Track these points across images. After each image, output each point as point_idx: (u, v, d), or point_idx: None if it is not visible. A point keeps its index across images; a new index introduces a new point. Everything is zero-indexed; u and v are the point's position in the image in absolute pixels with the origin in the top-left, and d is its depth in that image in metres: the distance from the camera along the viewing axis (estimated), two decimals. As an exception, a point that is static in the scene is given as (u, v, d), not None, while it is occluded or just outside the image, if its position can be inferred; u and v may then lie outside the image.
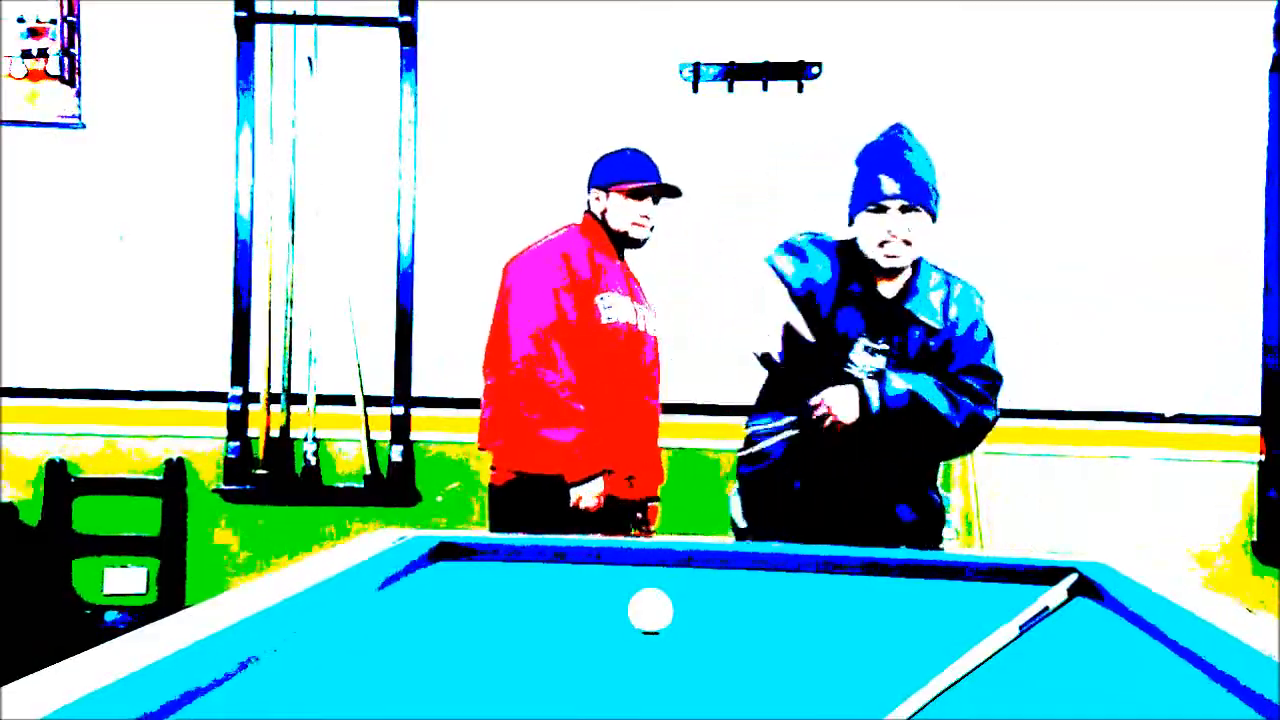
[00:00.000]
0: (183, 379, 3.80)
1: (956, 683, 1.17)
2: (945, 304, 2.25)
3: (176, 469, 3.78)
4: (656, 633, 1.48)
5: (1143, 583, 1.67)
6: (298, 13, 3.78)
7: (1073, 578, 1.52)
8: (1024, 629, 1.30)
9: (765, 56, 3.75)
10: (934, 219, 2.22)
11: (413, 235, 3.81)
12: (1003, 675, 1.26)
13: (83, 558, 3.76)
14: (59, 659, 1.12)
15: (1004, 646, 1.25)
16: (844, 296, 2.21)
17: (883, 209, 2.17)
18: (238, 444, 3.73)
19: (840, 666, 1.38)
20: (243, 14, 3.75)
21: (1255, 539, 3.62)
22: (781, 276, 2.22)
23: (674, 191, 2.79)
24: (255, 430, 3.76)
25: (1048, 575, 1.74)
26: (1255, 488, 3.63)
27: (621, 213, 2.74)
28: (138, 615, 3.68)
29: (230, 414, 3.75)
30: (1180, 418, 3.65)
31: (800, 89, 3.75)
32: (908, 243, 2.18)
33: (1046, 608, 1.37)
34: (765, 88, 3.75)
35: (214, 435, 3.77)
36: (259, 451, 3.76)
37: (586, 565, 1.88)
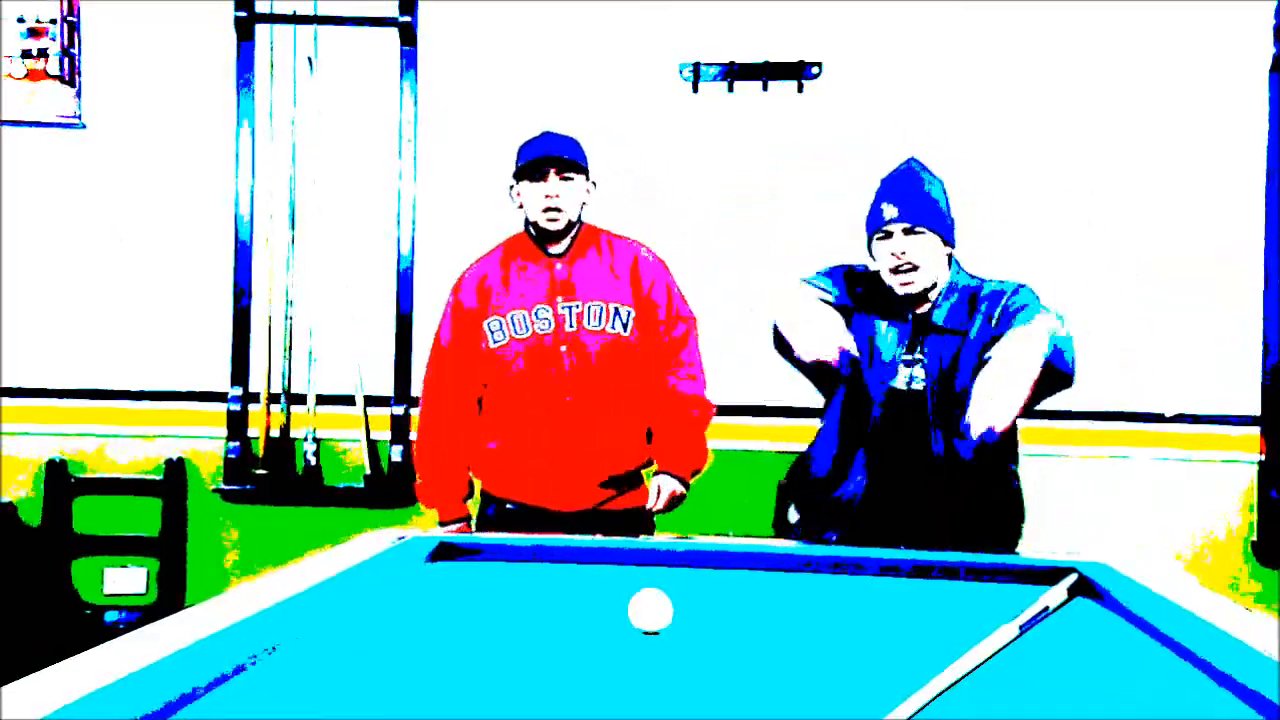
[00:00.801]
0: (183, 379, 3.80)
1: (956, 683, 1.17)
2: (977, 309, 2.22)
3: (176, 469, 3.78)
4: (656, 633, 1.48)
5: (1143, 583, 1.67)
6: (298, 13, 3.78)
7: (1073, 578, 1.52)
8: (1024, 629, 1.30)
9: (765, 56, 3.74)
10: (948, 243, 2.23)
11: (413, 235, 3.81)
12: (1003, 675, 1.26)
13: (83, 558, 3.76)
14: (59, 659, 1.12)
15: (1004, 646, 1.25)
16: (869, 311, 2.27)
17: (889, 234, 2.20)
18: (238, 444, 3.73)
19: (840, 666, 1.38)
20: (243, 14, 3.75)
21: (1255, 539, 3.62)
22: (824, 292, 2.28)
23: (570, 164, 2.59)
24: (255, 430, 3.76)
25: (1048, 575, 1.74)
26: (1255, 488, 3.63)
27: (529, 201, 2.61)
28: (139, 615, 3.68)
29: (230, 414, 3.74)
30: (1180, 418, 3.65)
31: (800, 89, 3.74)
32: (915, 266, 2.18)
33: (1046, 608, 1.38)
34: (765, 88, 3.75)
35: (214, 435, 3.77)
36: (259, 451, 3.76)
37: (586, 565, 1.88)
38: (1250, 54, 3.64)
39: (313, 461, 3.75)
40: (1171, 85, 3.66)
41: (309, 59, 3.78)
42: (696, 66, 3.76)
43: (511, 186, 2.65)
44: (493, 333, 2.65)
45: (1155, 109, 3.67)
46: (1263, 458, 3.61)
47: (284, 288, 3.78)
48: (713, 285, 3.63)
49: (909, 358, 2.23)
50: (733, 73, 3.74)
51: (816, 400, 3.94)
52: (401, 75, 3.80)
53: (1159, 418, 3.66)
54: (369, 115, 3.81)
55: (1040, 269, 3.66)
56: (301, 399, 3.77)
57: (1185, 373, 3.65)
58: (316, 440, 3.77)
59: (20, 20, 3.77)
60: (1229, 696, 1.24)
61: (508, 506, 2.68)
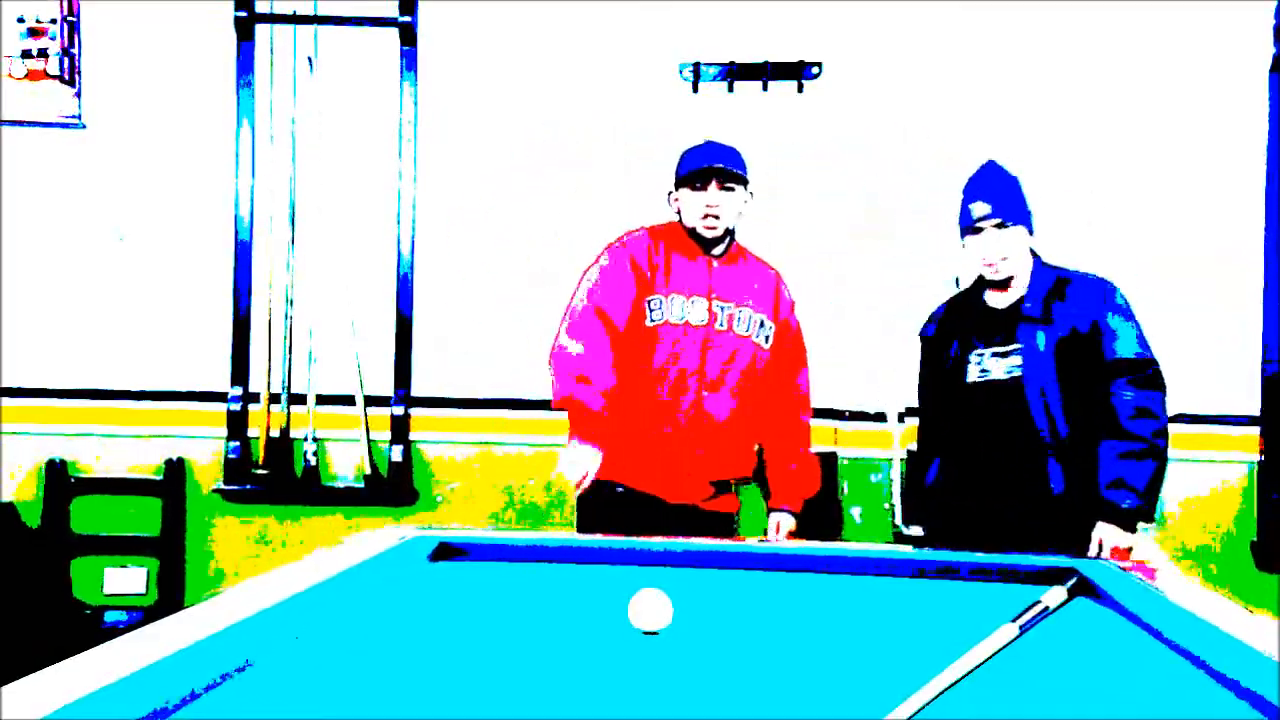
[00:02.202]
0: (183, 379, 3.80)
1: (956, 683, 1.17)
2: (1060, 300, 2.44)
3: (176, 469, 3.78)
4: (656, 633, 1.48)
5: (1143, 582, 1.67)
6: (298, 13, 3.77)
7: (1073, 578, 1.52)
8: (1024, 629, 1.30)
9: (765, 56, 3.74)
10: (1030, 232, 2.49)
11: (413, 235, 3.81)
12: (1003, 675, 1.26)
13: (83, 558, 3.76)
14: (59, 659, 1.12)
15: (1004, 646, 1.25)
16: (955, 325, 2.55)
17: (978, 230, 2.44)
18: (238, 444, 3.73)
19: (840, 667, 1.38)
20: (243, 14, 3.75)
21: (1255, 539, 3.62)
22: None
23: (732, 175, 2.61)
24: (255, 430, 3.76)
25: (1048, 575, 1.74)
26: (1255, 488, 3.63)
27: (688, 208, 2.64)
28: (140, 615, 3.68)
29: (230, 414, 3.74)
30: (1180, 418, 3.64)
31: (800, 89, 3.74)
32: (1005, 257, 2.44)
33: (1046, 608, 1.38)
34: (765, 88, 3.75)
35: (214, 435, 3.77)
36: (259, 451, 3.76)
37: (586, 565, 1.88)
38: (1250, 54, 3.64)
39: (313, 461, 3.75)
40: (1171, 85, 3.66)
41: (309, 59, 3.78)
42: (696, 66, 3.76)
43: (670, 192, 2.68)
44: (651, 311, 2.61)
45: (1155, 109, 3.67)
46: (1262, 458, 3.61)
47: (284, 288, 3.78)
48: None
49: (1004, 349, 2.45)
50: (733, 73, 3.74)
51: (815, 400, 3.94)
52: (401, 75, 3.80)
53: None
54: (369, 115, 3.81)
55: (1040, 269, 3.68)
56: (301, 399, 3.77)
57: (1185, 373, 3.64)
58: (316, 440, 3.77)
59: (20, 20, 3.77)
60: (1229, 696, 1.24)
61: (617, 489, 2.61)
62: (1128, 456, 2.33)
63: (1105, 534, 2.32)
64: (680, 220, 2.67)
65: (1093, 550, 2.31)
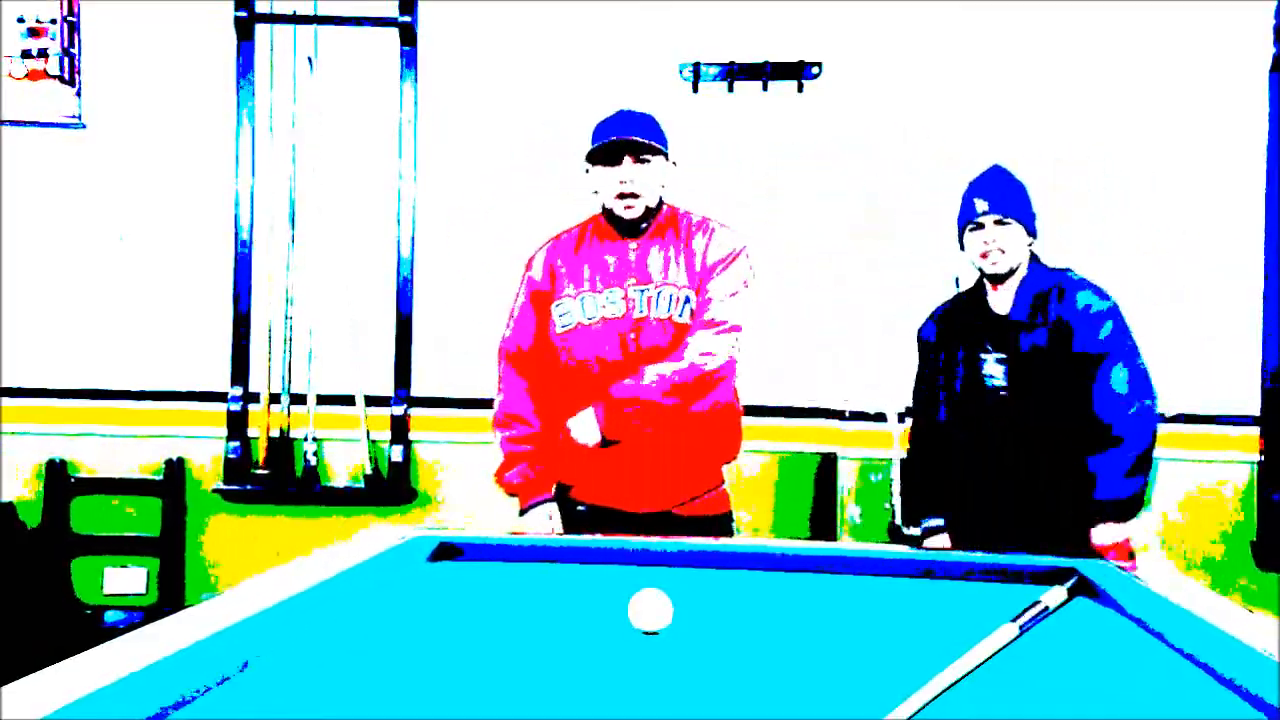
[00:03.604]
0: (183, 379, 3.80)
1: (956, 683, 1.17)
2: (1052, 308, 2.47)
3: (176, 469, 3.78)
4: (656, 633, 1.48)
5: (1142, 582, 1.67)
6: (298, 13, 3.78)
7: (1073, 578, 1.52)
8: (1024, 629, 1.30)
9: (765, 56, 3.74)
10: (1031, 234, 2.52)
11: (413, 235, 3.81)
12: (1003, 675, 1.26)
13: (83, 558, 3.76)
14: (59, 659, 1.12)
15: (1004, 646, 1.25)
16: (960, 330, 2.57)
17: (980, 225, 2.48)
18: (238, 444, 3.73)
19: (840, 666, 1.38)
20: (243, 14, 3.75)
21: (1255, 539, 3.62)
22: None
23: (646, 146, 2.37)
24: (255, 430, 3.76)
25: (1048, 575, 1.74)
26: (1255, 488, 3.63)
27: (602, 187, 2.41)
28: (140, 615, 3.68)
29: (230, 414, 3.74)
30: (1180, 417, 3.65)
31: (800, 89, 3.74)
32: (1003, 251, 2.46)
33: (1046, 608, 1.38)
34: (765, 88, 3.75)
35: (214, 435, 3.77)
36: (259, 452, 3.76)
37: (586, 565, 1.88)
38: (1250, 54, 3.64)
39: (313, 461, 3.75)
40: (1171, 85, 3.66)
41: (309, 59, 3.78)
42: (696, 66, 3.76)
43: (587, 170, 2.44)
44: (560, 316, 2.43)
45: (1155, 109, 3.67)
46: (1262, 458, 3.61)
47: (284, 288, 3.78)
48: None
49: (1000, 355, 2.50)
50: (733, 73, 3.74)
51: (813, 400, 3.95)
52: (401, 75, 3.80)
53: (1159, 417, 3.65)
54: (369, 115, 3.81)
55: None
56: (301, 399, 3.77)
57: (1185, 372, 3.64)
58: (316, 440, 3.77)
59: (20, 20, 3.77)
60: (1229, 696, 1.24)
61: (578, 509, 2.45)
62: (1112, 455, 2.39)
63: (1100, 536, 2.35)
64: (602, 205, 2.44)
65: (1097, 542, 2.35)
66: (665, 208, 2.47)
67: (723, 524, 2.49)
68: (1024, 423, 2.44)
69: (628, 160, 2.37)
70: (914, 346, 2.69)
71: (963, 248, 2.56)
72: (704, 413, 2.41)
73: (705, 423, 2.43)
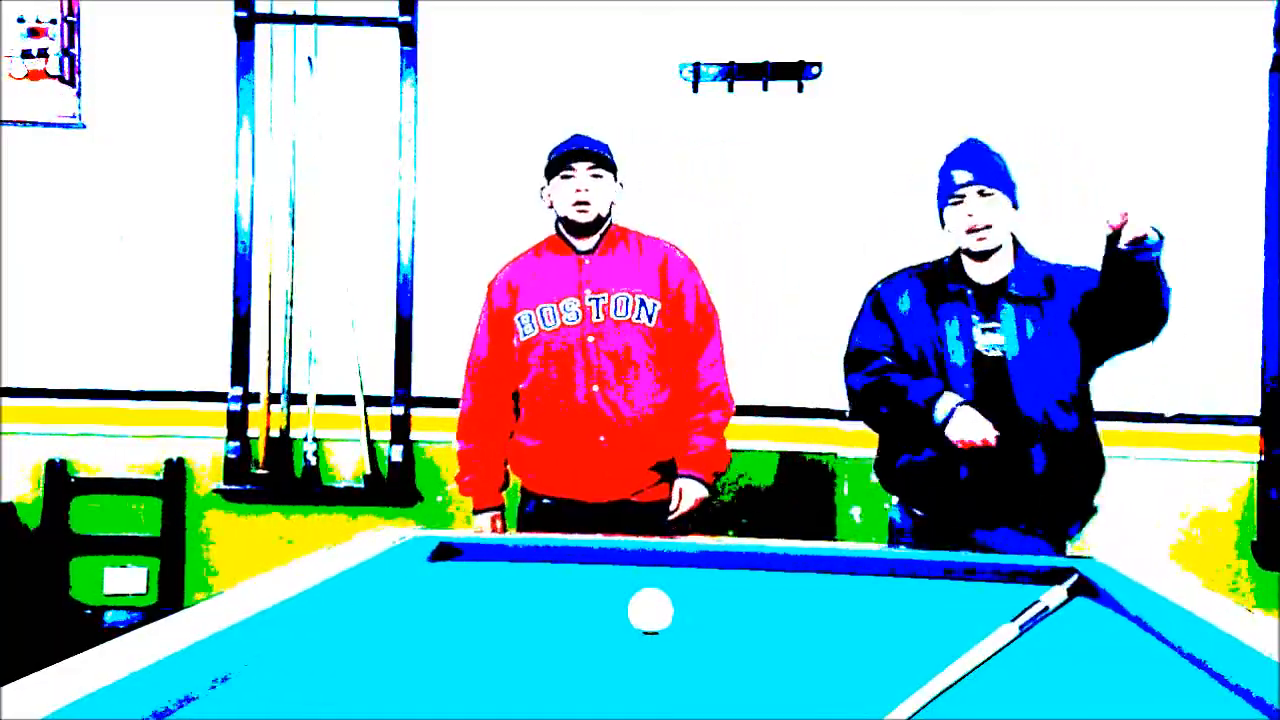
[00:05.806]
0: (183, 379, 3.80)
1: (957, 683, 1.17)
2: (1048, 279, 2.39)
3: (176, 469, 3.78)
4: (656, 633, 1.48)
5: (1142, 583, 1.67)
6: (298, 13, 3.77)
7: (1073, 578, 1.52)
8: (1024, 629, 1.31)
9: (765, 56, 3.74)
10: (1014, 205, 2.40)
11: (413, 235, 3.81)
12: (1003, 675, 1.26)
13: (82, 558, 3.76)
14: (59, 659, 1.12)
15: (1004, 646, 1.25)
16: (941, 298, 2.42)
17: (961, 198, 2.37)
18: (238, 444, 3.73)
19: (840, 666, 1.38)
20: (243, 14, 3.75)
21: (1255, 539, 3.62)
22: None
23: (599, 159, 2.65)
24: (255, 430, 3.76)
25: (1048, 575, 1.74)
26: (1255, 488, 3.63)
27: (559, 198, 2.68)
28: (140, 615, 3.68)
29: (230, 414, 3.74)
30: (1180, 418, 3.65)
31: (800, 89, 3.74)
32: (989, 224, 2.36)
33: (1046, 608, 1.38)
34: (765, 88, 3.75)
35: (214, 435, 3.77)
36: (259, 451, 3.76)
37: (586, 565, 1.88)
38: (1250, 54, 3.64)
39: (313, 461, 3.75)
40: (1171, 85, 3.66)
41: (309, 59, 3.78)
42: (696, 66, 3.76)
43: (543, 188, 2.72)
44: (522, 326, 2.70)
45: (1155, 109, 3.66)
46: (1262, 458, 3.61)
47: (284, 288, 3.78)
48: (712, 285, 3.62)
49: (987, 325, 2.38)
50: (733, 73, 3.74)
51: (814, 400, 3.94)
52: (401, 75, 3.80)
53: (1159, 417, 3.66)
54: (369, 115, 3.81)
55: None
56: (301, 399, 3.77)
57: (1185, 373, 3.64)
58: (316, 440, 3.77)
59: (20, 20, 3.77)
60: (1229, 696, 1.24)
61: (544, 502, 2.71)
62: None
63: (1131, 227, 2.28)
64: (556, 219, 2.72)
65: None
66: (614, 226, 2.74)
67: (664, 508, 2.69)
68: (1013, 399, 2.32)
69: (583, 170, 2.65)
70: None
71: (944, 225, 2.44)
72: (651, 415, 2.68)
73: (653, 422, 2.69)
